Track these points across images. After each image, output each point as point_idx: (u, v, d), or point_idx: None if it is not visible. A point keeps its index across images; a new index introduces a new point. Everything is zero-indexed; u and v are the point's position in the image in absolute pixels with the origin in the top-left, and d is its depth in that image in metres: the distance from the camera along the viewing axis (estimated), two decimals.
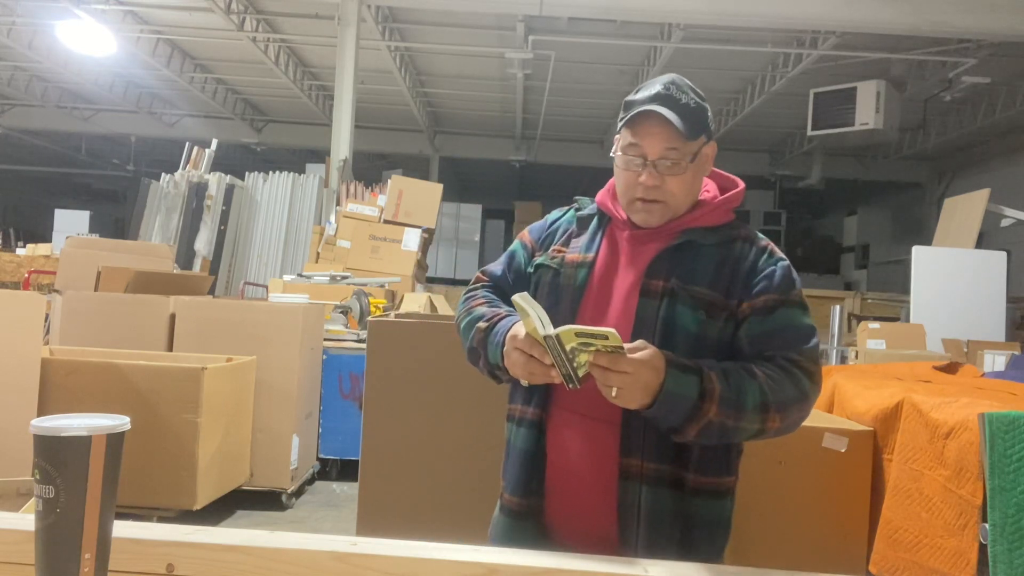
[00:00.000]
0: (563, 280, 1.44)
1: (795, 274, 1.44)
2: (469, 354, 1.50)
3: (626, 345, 1.24)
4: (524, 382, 1.37)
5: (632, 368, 1.23)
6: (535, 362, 1.29)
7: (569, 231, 1.52)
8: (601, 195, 1.51)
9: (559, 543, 1.40)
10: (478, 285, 1.61)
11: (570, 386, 1.28)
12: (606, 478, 1.36)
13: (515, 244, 1.60)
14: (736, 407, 1.28)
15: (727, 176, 1.53)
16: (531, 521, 1.43)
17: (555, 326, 1.25)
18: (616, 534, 1.35)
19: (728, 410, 1.27)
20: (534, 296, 1.37)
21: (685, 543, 1.35)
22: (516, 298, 1.28)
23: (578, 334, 1.21)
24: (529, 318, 1.25)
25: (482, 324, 1.45)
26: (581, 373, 1.25)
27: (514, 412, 1.49)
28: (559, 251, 1.49)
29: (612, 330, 1.20)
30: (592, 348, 1.23)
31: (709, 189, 1.50)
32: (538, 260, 1.51)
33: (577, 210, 1.55)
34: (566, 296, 1.42)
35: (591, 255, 1.45)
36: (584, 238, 1.49)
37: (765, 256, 1.42)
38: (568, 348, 1.23)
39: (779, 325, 1.37)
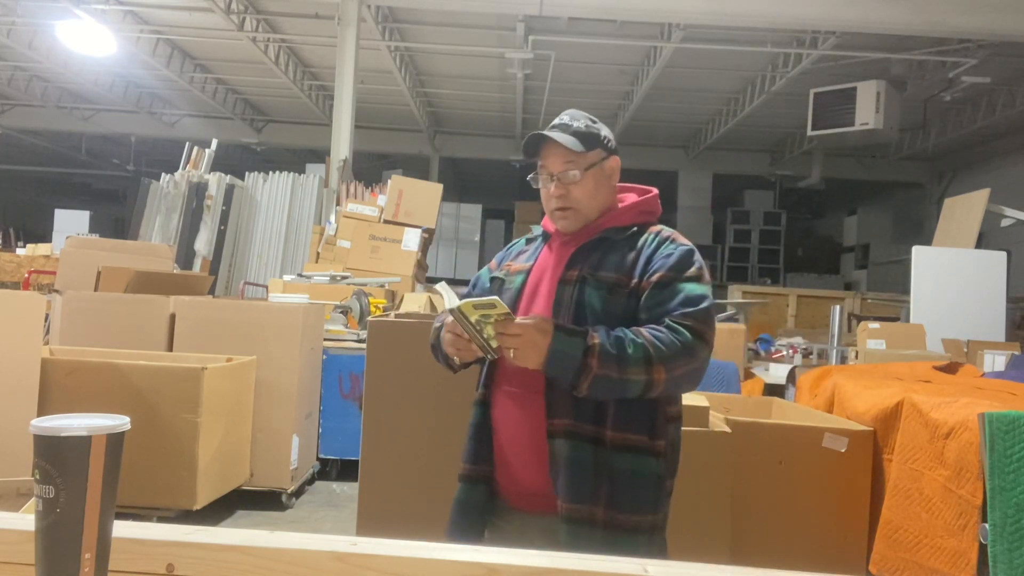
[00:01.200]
0: (507, 285, 1.78)
1: (695, 257, 1.67)
2: (433, 352, 1.83)
3: (520, 318, 1.54)
4: (457, 360, 1.68)
5: (521, 330, 1.50)
6: (460, 339, 1.58)
7: (521, 251, 1.88)
8: (544, 220, 1.84)
9: (506, 501, 1.71)
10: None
11: (488, 356, 1.58)
12: (538, 439, 1.62)
13: (483, 269, 1.96)
14: (618, 360, 1.51)
15: (645, 189, 1.83)
16: (482, 484, 1.71)
17: (506, 308, 1.52)
18: (550, 487, 1.60)
19: (609, 363, 1.50)
20: None
21: (612, 496, 1.57)
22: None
23: (475, 306, 1.48)
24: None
25: (437, 324, 1.80)
26: (494, 344, 1.53)
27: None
28: (508, 265, 1.85)
29: (495, 297, 1.51)
30: (491, 320, 1.49)
31: (629, 199, 1.80)
32: (492, 275, 1.87)
33: (528, 234, 1.93)
34: (507, 297, 1.73)
35: (530, 264, 1.79)
36: (527, 253, 1.84)
37: (667, 243, 1.68)
38: (473, 320, 1.50)
39: (670, 295, 1.60)
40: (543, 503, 1.61)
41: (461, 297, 1.90)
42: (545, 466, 1.61)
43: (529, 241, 1.89)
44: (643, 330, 1.55)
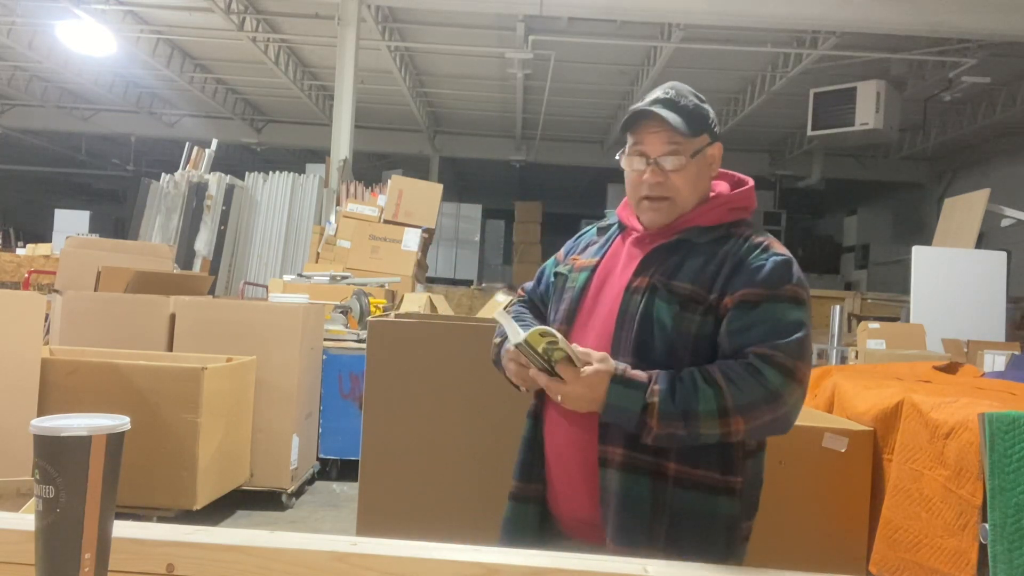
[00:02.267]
0: (569, 283, 1.54)
1: (794, 269, 1.40)
2: (495, 365, 1.60)
3: (583, 349, 1.34)
4: (523, 389, 1.49)
5: (571, 379, 1.31)
6: (525, 370, 1.39)
7: (590, 242, 1.62)
8: (620, 207, 1.59)
9: (559, 528, 1.50)
10: (516, 300, 1.75)
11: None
12: (589, 466, 1.41)
13: (550, 260, 1.72)
14: (684, 418, 1.29)
15: (740, 178, 1.57)
16: (533, 505, 1.50)
17: (554, 325, 1.39)
18: (600, 519, 1.40)
19: (673, 422, 1.30)
20: (551, 301, 1.59)
21: (673, 540, 1.35)
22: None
23: (542, 334, 1.29)
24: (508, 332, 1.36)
25: (496, 339, 1.59)
26: (546, 384, 1.35)
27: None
28: (574, 260, 1.59)
29: (553, 330, 1.30)
30: (558, 346, 1.31)
31: (721, 190, 1.54)
32: (556, 269, 1.63)
33: (602, 221, 1.67)
34: (568, 298, 1.52)
35: (596, 260, 1.54)
36: (596, 246, 1.58)
37: (758, 251, 1.41)
38: (540, 349, 1.31)
39: (758, 319, 1.35)
40: (594, 534, 1.41)
41: (523, 299, 1.72)
42: (595, 496, 1.40)
43: (601, 231, 1.63)
44: (718, 374, 1.31)
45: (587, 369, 1.32)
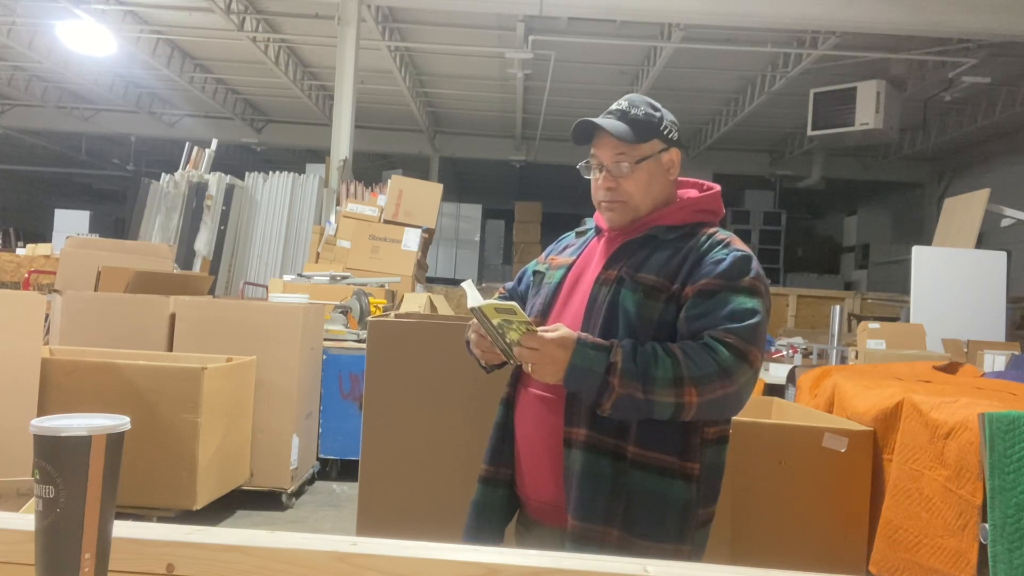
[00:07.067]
0: (546, 280, 1.66)
1: (752, 264, 1.49)
2: (467, 347, 1.67)
3: (543, 328, 1.43)
4: (483, 362, 1.61)
5: (540, 344, 1.39)
6: (484, 340, 1.50)
7: (569, 244, 1.75)
8: (596, 213, 1.70)
9: (525, 510, 1.61)
10: (497, 296, 1.80)
11: (511, 361, 1.49)
12: (554, 447, 1.49)
13: (531, 262, 1.82)
14: (643, 380, 1.37)
15: (708, 185, 1.68)
16: (501, 488, 1.60)
17: (530, 318, 1.44)
18: (563, 500, 1.48)
19: (633, 382, 1.37)
20: (529, 297, 1.69)
21: (630, 518, 1.43)
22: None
23: (497, 309, 1.38)
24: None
25: (472, 321, 1.65)
26: (516, 351, 1.43)
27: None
28: (552, 259, 1.71)
29: (514, 303, 1.39)
30: (514, 325, 1.39)
31: (687, 195, 1.65)
32: (535, 268, 1.76)
33: (580, 226, 1.79)
34: (544, 292, 1.64)
35: (572, 258, 1.66)
36: (574, 247, 1.71)
37: (720, 247, 1.50)
38: (496, 323, 1.39)
39: (715, 306, 1.43)
40: (557, 516, 1.49)
41: (492, 295, 1.81)
42: (559, 477, 1.48)
43: (579, 234, 1.75)
44: (675, 347, 1.40)
45: (553, 332, 1.41)
